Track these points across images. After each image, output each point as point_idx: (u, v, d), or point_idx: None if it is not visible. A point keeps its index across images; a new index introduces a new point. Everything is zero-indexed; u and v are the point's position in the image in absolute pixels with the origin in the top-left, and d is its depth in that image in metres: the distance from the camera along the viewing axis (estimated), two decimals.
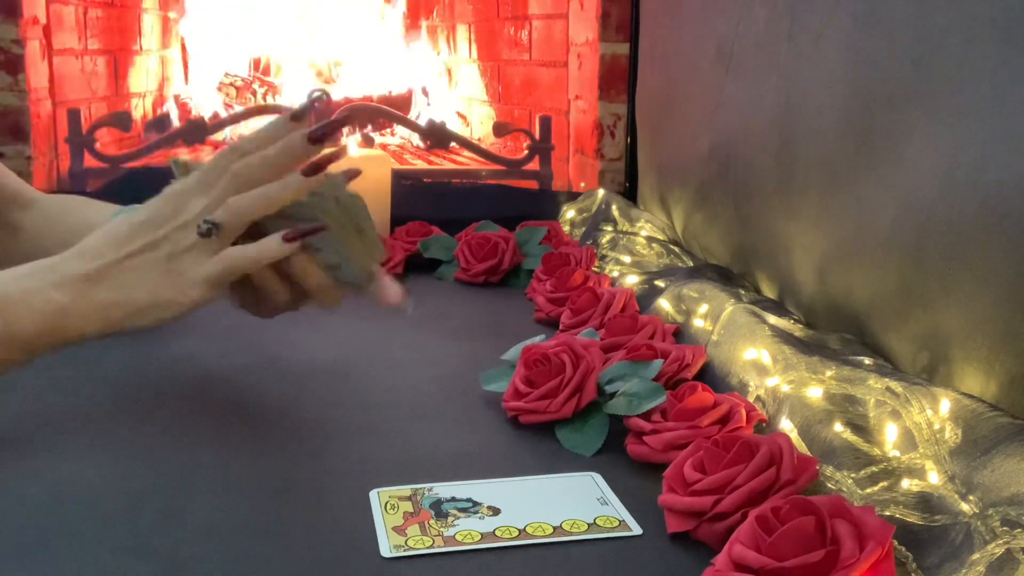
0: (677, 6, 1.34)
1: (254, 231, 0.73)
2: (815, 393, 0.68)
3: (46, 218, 0.95)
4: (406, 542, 0.58)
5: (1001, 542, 0.47)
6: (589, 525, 0.60)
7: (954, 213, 0.67)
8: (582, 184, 1.69)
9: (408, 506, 0.62)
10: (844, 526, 0.49)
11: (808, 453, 0.63)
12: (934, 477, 0.56)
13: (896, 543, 0.52)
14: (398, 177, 1.44)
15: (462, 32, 2.47)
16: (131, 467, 0.69)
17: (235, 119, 1.86)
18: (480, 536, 0.59)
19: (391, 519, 0.61)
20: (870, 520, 0.49)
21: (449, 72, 2.58)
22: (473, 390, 0.83)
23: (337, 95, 2.29)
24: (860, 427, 0.63)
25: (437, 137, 1.74)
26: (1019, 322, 0.60)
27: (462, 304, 1.15)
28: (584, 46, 1.68)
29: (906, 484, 0.57)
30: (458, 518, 0.61)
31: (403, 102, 2.43)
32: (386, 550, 0.57)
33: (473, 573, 0.55)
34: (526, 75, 2.05)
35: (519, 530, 0.59)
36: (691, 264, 1.14)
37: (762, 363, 0.75)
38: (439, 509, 0.62)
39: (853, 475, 0.59)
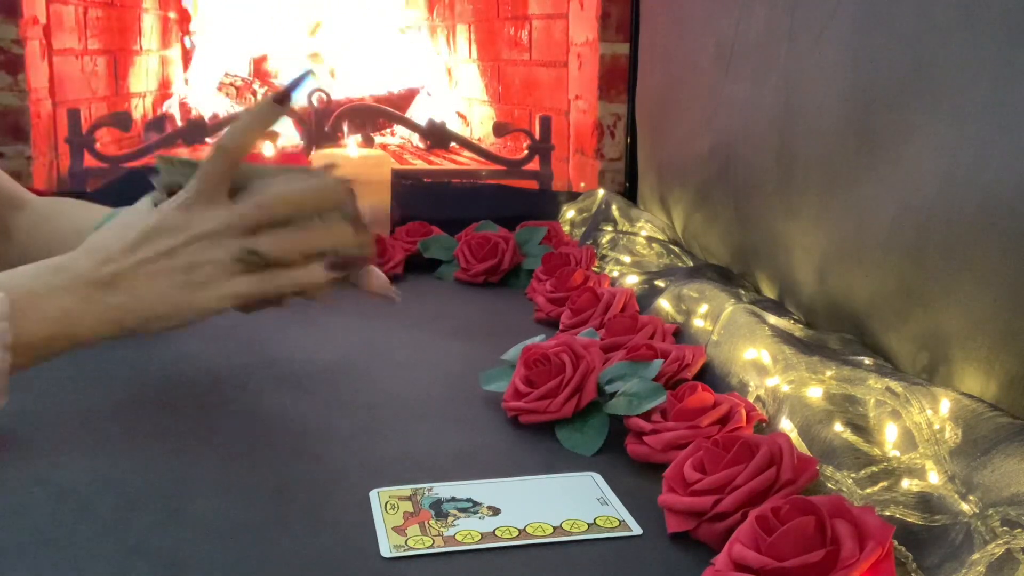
0: (677, 6, 1.34)
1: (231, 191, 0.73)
2: (815, 393, 0.68)
3: (37, 220, 0.95)
4: (406, 542, 0.58)
5: (1001, 542, 0.47)
6: (589, 525, 0.60)
7: (954, 213, 0.67)
8: (582, 184, 1.69)
9: (408, 506, 0.62)
10: (844, 526, 0.49)
11: (808, 453, 0.63)
12: (934, 477, 0.56)
13: (896, 543, 0.52)
14: (398, 177, 1.44)
15: (462, 32, 2.47)
16: (131, 467, 0.69)
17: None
18: (480, 536, 0.59)
19: (391, 519, 0.61)
20: (870, 520, 0.49)
21: (449, 72, 2.58)
22: (473, 390, 0.83)
23: (337, 95, 2.29)
24: (860, 427, 0.63)
25: (437, 137, 1.74)
26: (1019, 322, 0.60)
27: (462, 304, 1.15)
28: (584, 46, 1.68)
29: (906, 484, 0.57)
30: (458, 518, 0.61)
31: (403, 102, 2.43)
32: (386, 550, 0.57)
33: (473, 573, 0.55)
34: (526, 75, 2.05)
35: (519, 530, 0.59)
36: (691, 264, 1.14)
37: (762, 363, 0.75)
38: (439, 509, 0.62)
39: (853, 475, 0.59)
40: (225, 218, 0.70)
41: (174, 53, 2.52)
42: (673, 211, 1.32)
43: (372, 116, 2.11)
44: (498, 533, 0.59)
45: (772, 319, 0.83)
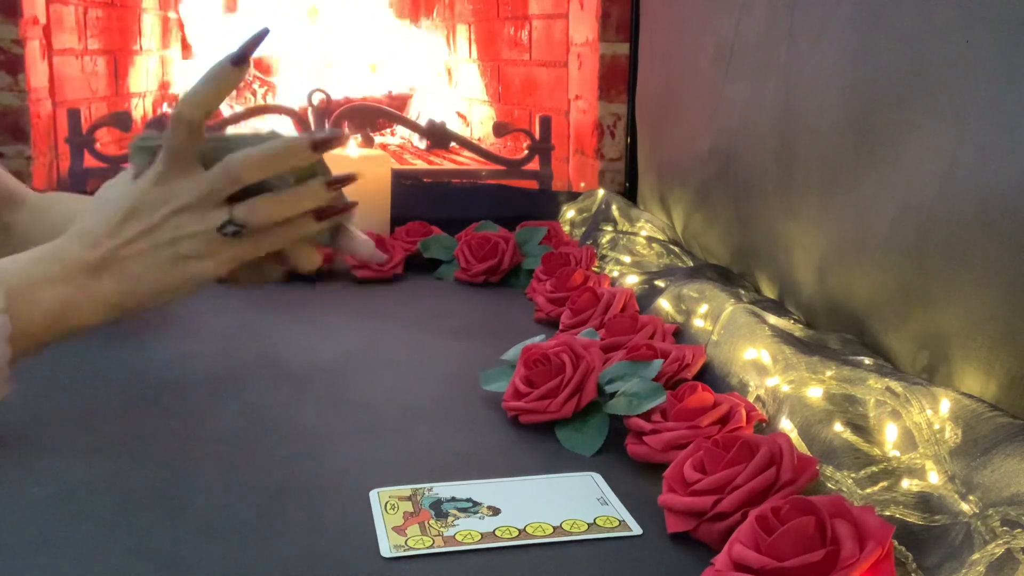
0: (677, 6, 1.34)
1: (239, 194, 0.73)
2: (815, 393, 0.68)
3: (34, 215, 0.95)
4: (406, 542, 0.58)
5: (1001, 542, 0.47)
6: (589, 525, 0.60)
7: (954, 213, 0.67)
8: (582, 184, 1.69)
9: (408, 506, 0.62)
10: (844, 526, 0.49)
11: (808, 453, 0.63)
12: (934, 477, 0.56)
13: (896, 543, 0.52)
14: (398, 177, 1.44)
15: (462, 32, 2.47)
16: (131, 467, 0.69)
17: (235, 119, 1.87)
18: (480, 536, 0.59)
19: (391, 519, 0.61)
20: (870, 520, 0.49)
21: (449, 72, 2.58)
22: (473, 390, 0.83)
23: (337, 94, 2.29)
24: (860, 427, 0.63)
25: (437, 137, 1.74)
26: (1019, 322, 0.60)
27: (462, 304, 1.15)
28: (584, 46, 1.68)
29: (906, 484, 0.57)
30: (458, 518, 0.61)
31: (403, 102, 2.43)
32: (386, 550, 0.57)
33: (473, 573, 0.55)
34: (526, 75, 2.05)
35: (519, 530, 0.59)
36: (691, 264, 1.14)
37: (762, 363, 0.75)
38: (439, 509, 0.62)
39: (853, 475, 0.59)
40: (199, 189, 0.70)
41: (174, 53, 2.52)
42: (673, 211, 1.32)
43: (372, 116, 2.11)
44: (498, 533, 0.59)
45: (772, 319, 0.83)
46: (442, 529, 0.59)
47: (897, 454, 0.60)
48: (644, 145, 1.50)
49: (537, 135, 1.75)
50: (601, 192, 1.45)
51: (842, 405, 0.66)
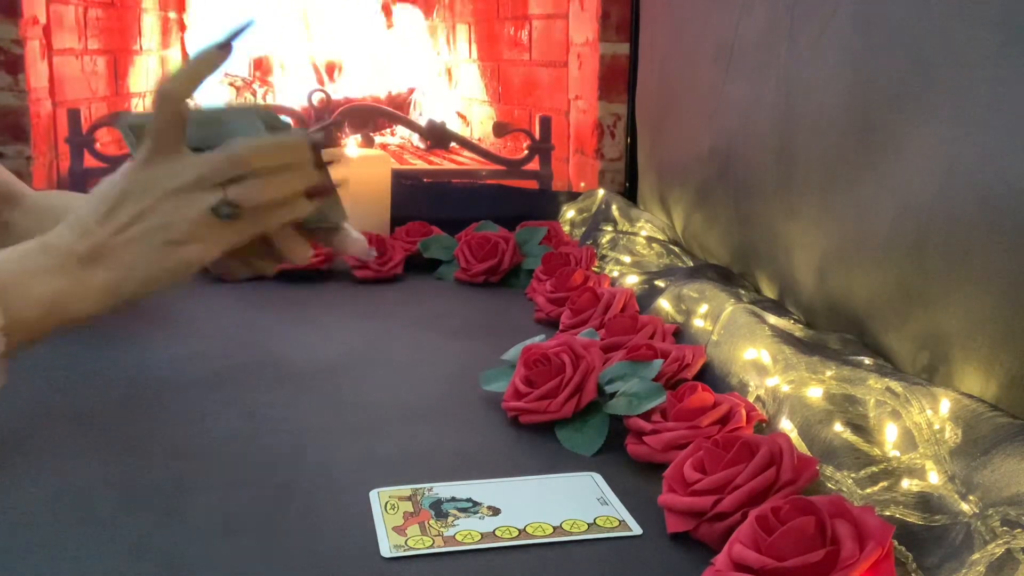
0: (677, 6, 1.34)
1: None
2: (815, 393, 0.68)
3: (33, 213, 0.95)
4: (406, 542, 0.58)
5: (1001, 542, 0.47)
6: (589, 525, 0.60)
7: (954, 213, 0.67)
8: (582, 184, 1.69)
9: (408, 506, 0.62)
10: (844, 526, 0.49)
11: (808, 453, 0.63)
12: (934, 477, 0.56)
13: (896, 543, 0.52)
14: (398, 177, 1.44)
15: (462, 32, 2.47)
16: (131, 467, 0.69)
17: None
18: (480, 536, 0.59)
19: (391, 519, 0.61)
20: (870, 520, 0.49)
21: (449, 72, 2.58)
22: (473, 390, 0.83)
23: (337, 95, 2.29)
24: (860, 427, 0.63)
25: (437, 137, 1.74)
26: (1019, 322, 0.60)
27: (462, 304, 1.15)
28: (584, 46, 1.68)
29: (906, 484, 0.57)
30: (458, 518, 0.61)
31: (403, 102, 2.44)
32: (386, 550, 0.57)
33: (473, 573, 0.55)
34: (526, 75, 2.05)
35: (519, 530, 0.59)
36: (691, 264, 1.14)
37: (762, 363, 0.75)
38: (439, 509, 0.62)
39: (853, 475, 0.59)
40: (193, 172, 0.69)
41: (174, 53, 2.52)
42: (673, 211, 1.32)
43: (372, 116, 2.11)
44: (498, 533, 0.59)
45: (772, 319, 0.83)
46: (442, 529, 0.59)
47: (897, 454, 0.60)
48: (644, 145, 1.50)
49: (537, 135, 1.75)
50: (601, 192, 1.45)
51: (842, 405, 0.66)
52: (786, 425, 0.67)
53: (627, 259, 1.18)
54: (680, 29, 1.32)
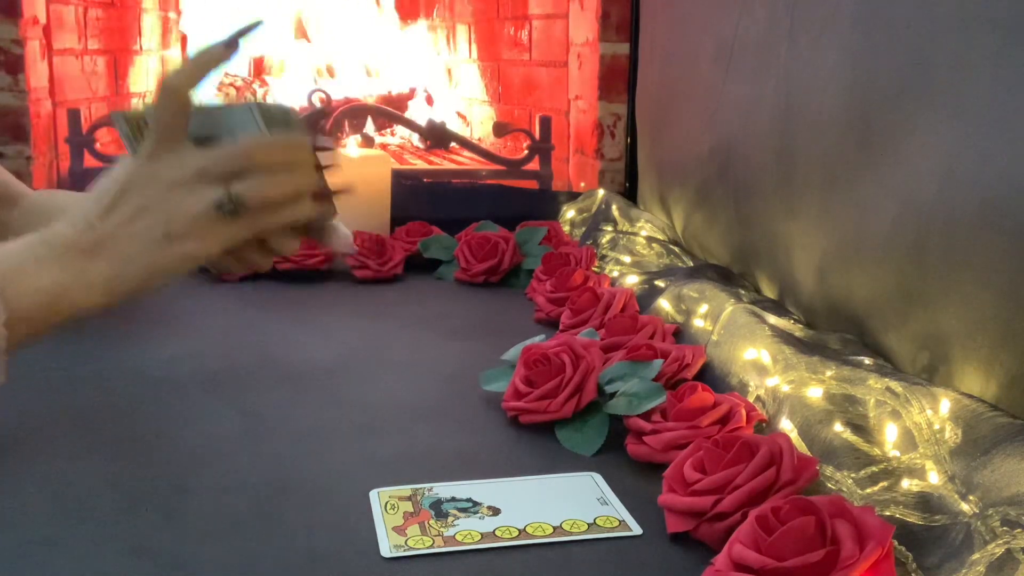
0: (677, 6, 1.34)
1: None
2: (815, 393, 0.67)
3: (32, 213, 0.95)
4: (406, 542, 0.58)
5: (1001, 542, 0.47)
6: (589, 525, 0.60)
7: (954, 213, 0.67)
8: (582, 184, 1.69)
9: (408, 506, 0.62)
10: (844, 526, 0.49)
11: (808, 453, 0.63)
12: (934, 477, 0.56)
13: (896, 543, 0.52)
14: (398, 177, 1.44)
15: (462, 32, 2.47)
16: (130, 467, 0.69)
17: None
18: (480, 536, 0.59)
19: (391, 519, 0.61)
20: (870, 520, 0.49)
21: (449, 72, 2.58)
22: (473, 390, 0.83)
23: (337, 94, 2.29)
24: (860, 427, 0.63)
25: (437, 137, 1.74)
26: (1019, 322, 0.60)
27: (462, 304, 1.15)
28: (584, 46, 1.68)
29: (906, 484, 0.57)
30: (458, 518, 0.61)
31: (403, 102, 2.43)
32: (386, 550, 0.57)
33: (473, 573, 0.55)
34: (526, 75, 2.05)
35: (519, 530, 0.59)
36: (691, 264, 1.14)
37: (762, 363, 0.75)
38: (439, 509, 0.62)
39: (853, 475, 0.59)
40: (195, 166, 0.68)
41: (174, 53, 2.52)
42: (673, 211, 1.32)
43: (372, 116, 2.11)
44: (498, 533, 0.59)
45: (772, 319, 0.83)
46: (442, 529, 0.59)
47: (897, 454, 0.60)
48: (644, 145, 1.50)
49: (537, 135, 1.75)
50: (601, 192, 1.45)
51: (842, 405, 0.66)
52: (786, 425, 0.67)
53: (627, 259, 1.18)
54: (680, 29, 1.32)
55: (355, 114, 1.96)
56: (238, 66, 2.50)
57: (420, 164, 2.02)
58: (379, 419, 0.78)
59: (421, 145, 2.13)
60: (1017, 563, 0.45)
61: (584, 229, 1.36)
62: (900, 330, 0.75)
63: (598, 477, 0.67)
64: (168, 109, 0.69)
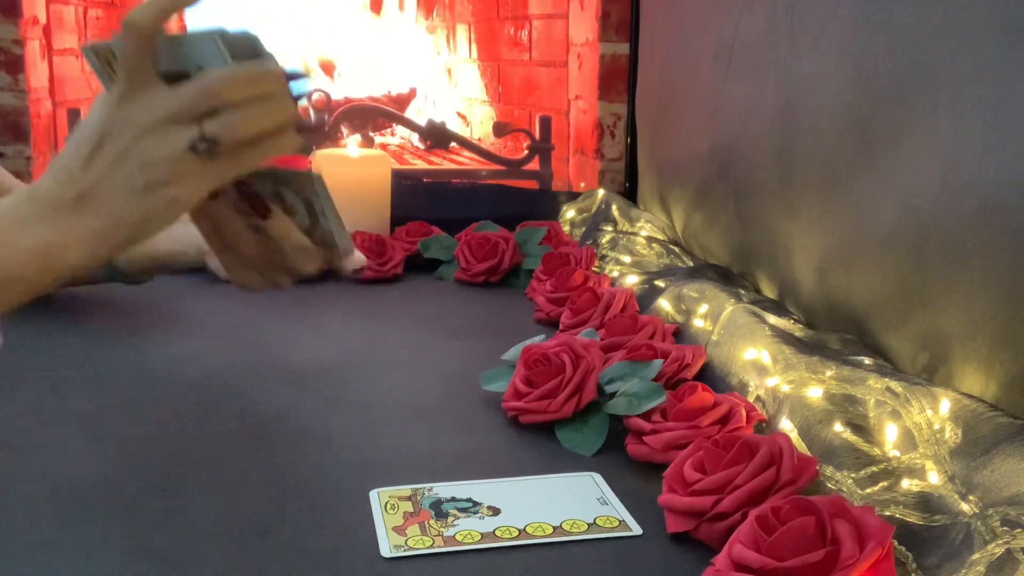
0: (677, 6, 1.34)
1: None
2: (815, 393, 0.67)
3: None
4: (406, 542, 0.58)
5: (1001, 542, 0.47)
6: (589, 525, 0.60)
7: (954, 213, 0.67)
8: (582, 184, 1.69)
9: (408, 506, 0.62)
10: (844, 526, 0.49)
11: (808, 453, 0.63)
12: (934, 477, 0.56)
13: (896, 543, 0.52)
14: (398, 177, 1.44)
15: (462, 32, 2.47)
16: (131, 467, 0.69)
17: None
18: (480, 536, 0.59)
19: (391, 519, 0.61)
20: (870, 520, 0.49)
21: (449, 72, 2.58)
22: (473, 390, 0.83)
23: (337, 95, 2.29)
24: (860, 427, 0.63)
25: (437, 137, 1.74)
26: (1019, 322, 0.60)
27: (462, 304, 1.15)
28: (584, 46, 1.68)
29: (906, 484, 0.57)
30: (458, 518, 0.61)
31: (403, 102, 2.43)
32: (386, 550, 0.57)
33: (473, 573, 0.55)
34: (526, 75, 2.05)
35: (519, 530, 0.59)
36: (691, 264, 1.14)
37: (762, 363, 0.75)
38: (439, 509, 0.62)
39: (853, 475, 0.59)
40: (167, 106, 0.65)
41: None
42: (673, 211, 1.32)
43: (372, 116, 2.11)
44: (498, 533, 0.59)
45: (772, 319, 0.83)
46: (442, 529, 0.59)
47: (897, 454, 0.60)
48: (644, 145, 1.50)
49: (537, 135, 1.75)
50: (601, 192, 1.45)
51: (842, 405, 0.66)
52: (786, 425, 0.67)
53: (627, 259, 1.18)
54: (680, 29, 1.32)
55: (355, 114, 1.96)
56: None
57: (420, 164, 2.02)
58: (379, 419, 0.78)
59: (421, 145, 2.13)
60: (1017, 563, 0.45)
61: (584, 229, 1.36)
62: (900, 330, 0.75)
63: (598, 477, 0.67)
64: (132, 47, 0.66)
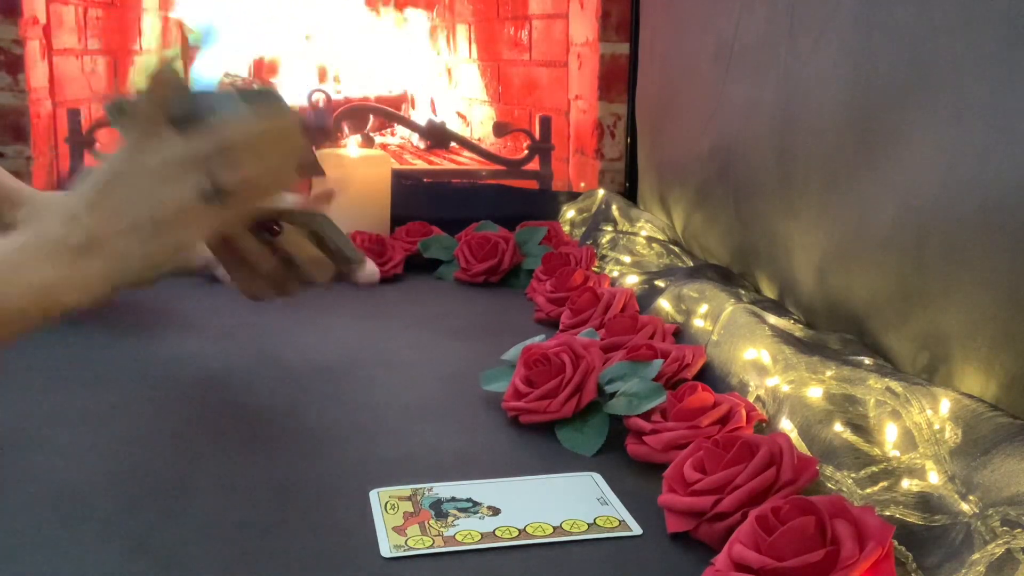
0: (677, 6, 1.34)
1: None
2: (815, 393, 0.67)
3: (36, 213, 0.95)
4: (406, 542, 0.58)
5: (1001, 542, 0.47)
6: (589, 525, 0.60)
7: (954, 213, 0.67)
8: (582, 184, 1.69)
9: (408, 506, 0.62)
10: (844, 526, 0.49)
11: (808, 453, 0.63)
12: (934, 477, 0.56)
13: (896, 543, 0.52)
14: (398, 177, 1.44)
15: (462, 32, 2.47)
16: (131, 467, 0.69)
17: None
18: (480, 536, 0.59)
19: (391, 519, 0.61)
20: (870, 520, 0.49)
21: (449, 72, 2.58)
22: (473, 390, 0.83)
23: (337, 95, 2.29)
24: (860, 427, 0.63)
25: (437, 137, 1.74)
26: (1019, 322, 0.60)
27: (462, 304, 1.15)
28: (584, 46, 1.68)
29: (906, 484, 0.57)
30: (458, 518, 0.61)
31: (402, 103, 2.43)
32: (386, 550, 0.57)
33: (473, 573, 0.55)
34: (526, 75, 2.05)
35: (519, 530, 0.59)
36: (691, 264, 1.14)
37: (762, 363, 0.75)
38: (439, 509, 0.62)
39: (853, 475, 0.59)
40: (179, 153, 0.67)
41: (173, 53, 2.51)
42: (673, 211, 1.32)
43: (372, 116, 2.11)
44: (498, 533, 0.59)
45: (772, 319, 0.83)
46: (442, 529, 0.59)
47: (897, 454, 0.60)
48: (644, 145, 1.50)
49: (537, 135, 1.75)
50: (601, 192, 1.45)
51: (842, 405, 0.66)
52: (786, 425, 0.67)
53: (627, 259, 1.18)
54: (680, 29, 1.32)
55: (355, 114, 1.96)
56: (238, 66, 2.50)
57: (420, 164, 2.02)
58: (379, 419, 0.78)
59: (421, 145, 2.13)
60: (1017, 563, 0.45)
61: (584, 229, 1.36)
62: (900, 330, 0.75)
63: (598, 477, 0.67)
64: (154, 100, 0.67)
